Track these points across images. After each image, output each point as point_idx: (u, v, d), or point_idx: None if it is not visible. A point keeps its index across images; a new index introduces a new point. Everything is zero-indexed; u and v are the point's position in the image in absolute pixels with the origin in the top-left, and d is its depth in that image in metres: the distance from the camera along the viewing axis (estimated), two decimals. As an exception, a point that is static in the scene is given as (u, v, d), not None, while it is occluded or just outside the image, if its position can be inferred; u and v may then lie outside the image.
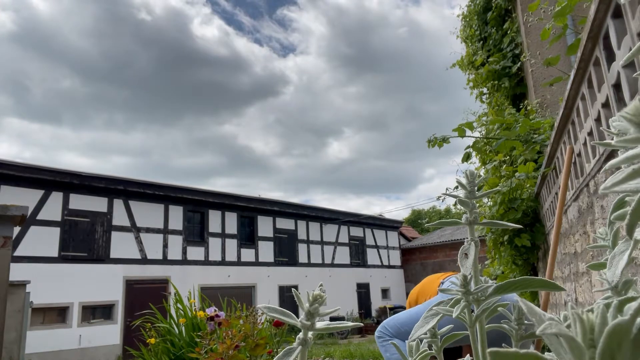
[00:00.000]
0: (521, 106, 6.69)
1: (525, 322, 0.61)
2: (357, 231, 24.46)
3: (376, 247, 25.26)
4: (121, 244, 15.12)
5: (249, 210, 19.43)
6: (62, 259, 13.71)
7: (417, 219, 44.40)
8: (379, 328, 2.13)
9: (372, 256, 24.93)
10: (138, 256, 15.53)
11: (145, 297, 13.59)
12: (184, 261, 16.76)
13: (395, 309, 20.88)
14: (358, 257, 24.26)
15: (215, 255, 17.89)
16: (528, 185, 4.90)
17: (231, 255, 18.47)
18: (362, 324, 9.23)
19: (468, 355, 0.58)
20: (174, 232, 16.77)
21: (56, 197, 13.93)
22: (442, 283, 2.30)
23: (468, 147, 5.21)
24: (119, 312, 14.52)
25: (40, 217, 13.45)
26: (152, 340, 3.93)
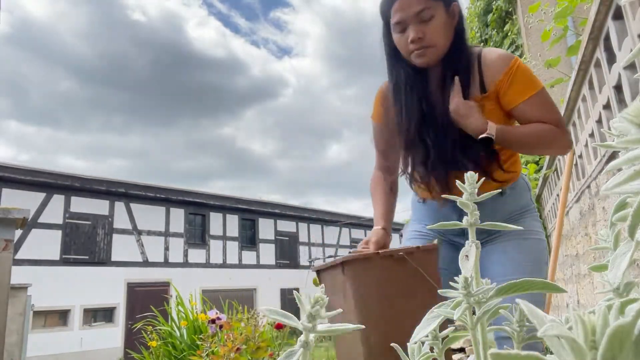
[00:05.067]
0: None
1: (527, 324, 0.61)
2: (358, 233, 24.43)
3: (377, 249, 25.22)
4: (122, 247, 15.12)
5: (250, 212, 19.43)
6: (63, 262, 13.72)
7: (418, 221, 44.27)
8: None
9: (373, 258, 24.90)
10: (139, 259, 15.54)
11: (147, 299, 13.57)
12: (185, 264, 16.75)
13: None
14: (359, 259, 24.24)
15: (216, 258, 17.88)
16: (529, 187, 4.88)
17: (232, 258, 18.46)
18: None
19: (472, 356, 0.58)
20: (175, 234, 16.77)
21: (57, 200, 13.94)
22: None
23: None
24: (120, 315, 14.51)
25: (41, 220, 13.47)
26: (154, 343, 3.93)
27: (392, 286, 1.23)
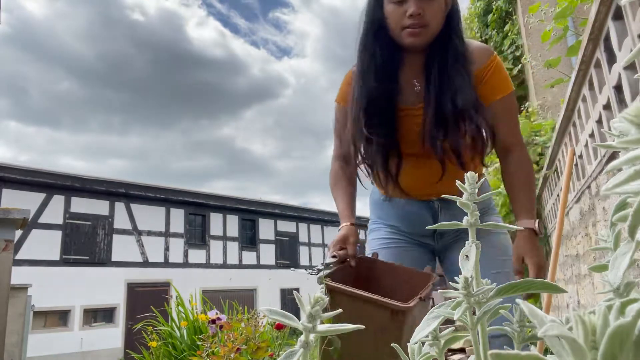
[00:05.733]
0: (522, 108, 6.69)
1: (527, 324, 0.61)
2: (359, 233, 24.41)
3: (378, 249, 25.22)
4: (123, 247, 15.12)
5: (250, 213, 19.43)
6: (63, 262, 13.72)
7: (418, 222, 44.26)
8: None
9: (373, 259, 24.90)
10: (139, 259, 15.53)
11: (147, 300, 13.57)
12: (186, 264, 16.75)
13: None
14: (359, 259, 24.25)
15: (216, 258, 17.88)
16: (529, 187, 4.88)
17: (232, 258, 18.46)
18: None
19: (472, 356, 0.57)
20: (176, 235, 16.77)
21: (58, 201, 13.94)
22: None
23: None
24: (121, 316, 14.51)
25: (41, 220, 13.47)
26: (154, 344, 3.93)
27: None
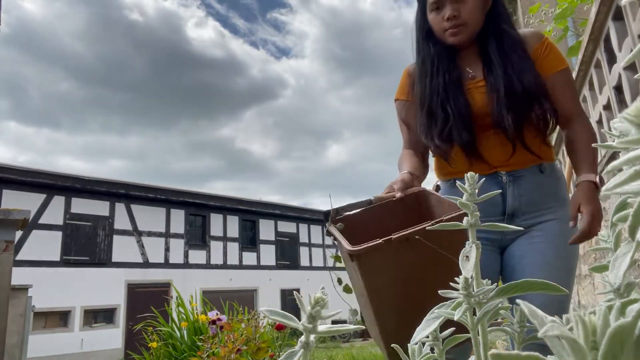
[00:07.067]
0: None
1: (527, 324, 0.61)
2: (358, 234, 24.42)
3: (378, 250, 25.20)
4: (123, 248, 15.13)
5: (250, 213, 19.44)
6: (64, 263, 13.72)
7: (418, 222, 44.26)
8: None
9: (374, 259, 24.88)
10: (140, 260, 15.54)
11: (147, 300, 13.56)
12: (186, 265, 16.75)
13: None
14: (360, 260, 24.24)
15: (217, 259, 17.88)
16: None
17: (233, 259, 18.46)
18: (364, 327, 9.17)
19: (472, 357, 0.57)
20: (176, 235, 16.77)
21: (58, 201, 13.95)
22: None
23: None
24: (121, 316, 14.51)
25: (42, 221, 13.47)
26: (154, 344, 3.93)
27: (410, 271, 1.03)
